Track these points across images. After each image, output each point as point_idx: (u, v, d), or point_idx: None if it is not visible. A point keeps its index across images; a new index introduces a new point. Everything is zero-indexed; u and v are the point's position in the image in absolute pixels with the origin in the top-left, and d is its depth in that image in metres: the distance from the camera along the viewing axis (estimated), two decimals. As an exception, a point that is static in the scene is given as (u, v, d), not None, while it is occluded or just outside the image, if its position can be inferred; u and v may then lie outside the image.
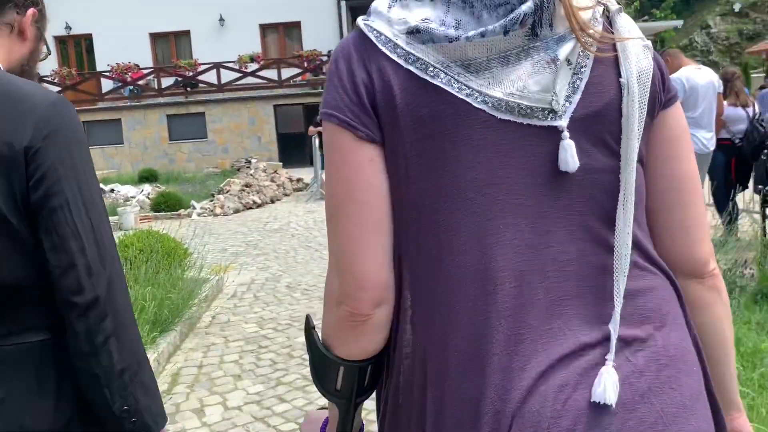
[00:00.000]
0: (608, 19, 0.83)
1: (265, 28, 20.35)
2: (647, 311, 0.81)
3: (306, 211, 10.30)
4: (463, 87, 0.77)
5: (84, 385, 1.07)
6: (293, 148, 18.60)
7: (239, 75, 18.79)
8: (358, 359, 0.87)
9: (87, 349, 1.04)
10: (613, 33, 0.82)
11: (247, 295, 5.41)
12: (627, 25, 0.83)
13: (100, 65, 19.65)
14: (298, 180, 13.56)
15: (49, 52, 1.30)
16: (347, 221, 0.82)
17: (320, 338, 0.90)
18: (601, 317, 0.79)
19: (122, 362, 1.06)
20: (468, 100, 0.77)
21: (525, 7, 0.75)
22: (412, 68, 0.78)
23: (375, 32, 0.81)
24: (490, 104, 0.77)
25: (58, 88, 19.00)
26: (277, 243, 7.76)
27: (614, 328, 0.77)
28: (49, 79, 18.86)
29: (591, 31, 0.78)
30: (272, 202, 11.68)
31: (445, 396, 0.79)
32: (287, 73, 19.12)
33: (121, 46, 18.99)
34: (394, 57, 0.79)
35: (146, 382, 1.11)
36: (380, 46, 0.80)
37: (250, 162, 16.30)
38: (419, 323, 0.83)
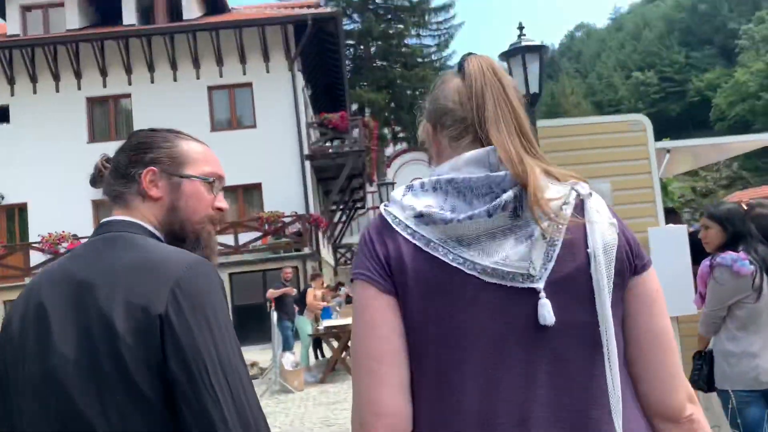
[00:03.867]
0: (581, 202, 1.01)
1: (223, 191, 18.68)
2: None
3: (258, 414, 7.69)
4: (458, 257, 0.97)
5: None
6: (252, 322, 16.13)
7: (190, 241, 16.77)
8: None
9: None
10: (582, 214, 1.00)
11: None
12: (596, 206, 1.02)
13: (33, 236, 17.48)
14: (253, 365, 10.98)
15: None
16: (367, 356, 0.98)
17: None
18: None
19: None
20: (461, 267, 0.96)
21: (506, 196, 0.96)
22: (418, 243, 0.99)
23: (391, 216, 1.03)
24: (478, 270, 0.96)
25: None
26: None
27: None
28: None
29: (554, 216, 0.96)
30: (216, 398, 9.03)
31: None
32: (245, 237, 17.18)
33: (60, 214, 16.94)
34: (405, 234, 1.01)
35: None
36: (394, 227, 1.02)
37: (199, 341, 13.79)
38: None
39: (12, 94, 18.90)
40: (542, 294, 0.94)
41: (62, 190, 17.16)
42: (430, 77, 30.05)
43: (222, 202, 1.33)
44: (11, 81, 18.86)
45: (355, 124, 20.40)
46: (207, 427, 0.99)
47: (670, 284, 3.85)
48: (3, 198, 18.19)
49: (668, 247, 3.87)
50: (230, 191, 18.81)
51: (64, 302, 1.09)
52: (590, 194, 1.01)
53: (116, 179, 1.25)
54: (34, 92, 18.88)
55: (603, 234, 0.99)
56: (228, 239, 16.98)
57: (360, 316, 1.01)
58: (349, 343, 1.08)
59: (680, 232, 3.97)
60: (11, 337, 1.12)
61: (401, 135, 31.97)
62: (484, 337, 0.94)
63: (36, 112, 18.60)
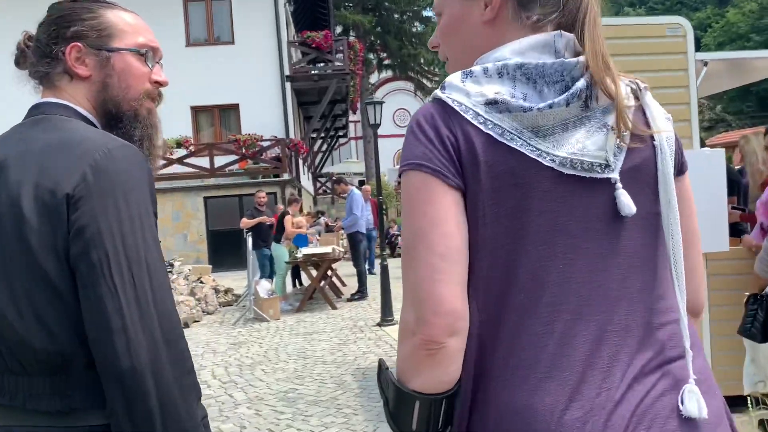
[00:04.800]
0: (635, 94, 0.99)
1: (197, 111, 17.78)
2: (680, 339, 0.96)
3: (230, 344, 7.25)
4: (534, 149, 0.91)
5: None
6: (226, 248, 15.67)
7: (163, 163, 16.00)
8: (434, 392, 0.91)
9: (127, 430, 0.92)
10: (643, 108, 0.99)
11: None
12: (651, 102, 1.01)
13: None
14: (227, 291, 10.53)
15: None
16: (430, 250, 0.90)
17: (395, 375, 0.94)
18: (648, 343, 0.93)
19: None
20: (539, 159, 0.91)
21: (580, 84, 0.92)
22: (491, 133, 0.91)
23: (456, 102, 0.94)
24: (557, 162, 0.91)
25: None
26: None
27: (687, 349, 0.94)
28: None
29: (630, 125, 0.94)
30: (186, 326, 8.57)
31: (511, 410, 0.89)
32: (222, 160, 16.45)
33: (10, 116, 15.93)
34: (475, 123, 0.92)
35: None
36: (462, 113, 0.93)
37: (172, 265, 13.21)
38: (483, 353, 0.92)
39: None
40: (618, 184, 0.94)
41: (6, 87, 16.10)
42: (420, 0, 28.68)
43: (160, 75, 1.21)
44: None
45: (339, 46, 19.38)
46: (100, 318, 0.93)
47: (702, 216, 3.37)
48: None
49: (703, 173, 3.35)
50: (206, 111, 17.95)
51: None
52: (646, 88, 1.01)
53: (40, 58, 1.16)
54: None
55: (666, 127, 1.00)
56: (203, 161, 16.24)
57: (422, 212, 0.92)
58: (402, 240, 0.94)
59: (718, 157, 3.46)
60: None
61: (387, 62, 30.75)
62: (561, 230, 0.92)
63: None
